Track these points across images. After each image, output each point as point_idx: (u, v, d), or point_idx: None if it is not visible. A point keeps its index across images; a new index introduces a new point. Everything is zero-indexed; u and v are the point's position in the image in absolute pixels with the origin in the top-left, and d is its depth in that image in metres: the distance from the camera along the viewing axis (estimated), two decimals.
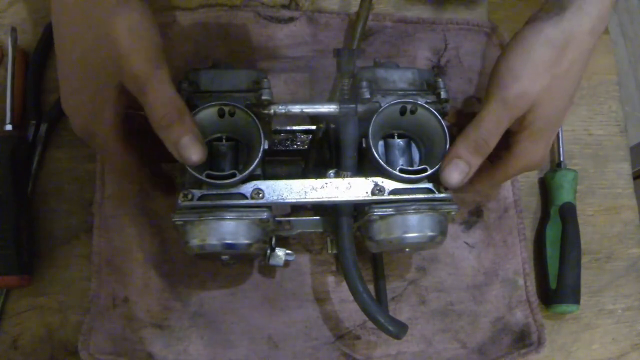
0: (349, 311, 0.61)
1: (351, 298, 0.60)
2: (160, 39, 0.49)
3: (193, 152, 0.48)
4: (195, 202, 0.51)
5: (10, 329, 0.57)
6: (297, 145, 0.61)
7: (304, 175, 0.57)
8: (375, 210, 0.53)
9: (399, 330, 0.53)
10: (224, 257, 0.54)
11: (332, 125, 0.57)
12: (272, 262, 0.58)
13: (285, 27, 0.66)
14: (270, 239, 0.58)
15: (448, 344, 0.61)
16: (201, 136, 0.49)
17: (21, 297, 0.58)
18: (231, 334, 0.59)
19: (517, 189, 0.66)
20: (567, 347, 0.63)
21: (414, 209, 0.53)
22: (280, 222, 0.57)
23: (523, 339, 0.61)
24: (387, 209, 0.53)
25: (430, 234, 0.53)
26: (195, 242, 0.51)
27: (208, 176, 0.51)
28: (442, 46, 0.68)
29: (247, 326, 0.59)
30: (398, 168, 0.54)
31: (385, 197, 0.53)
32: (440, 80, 0.57)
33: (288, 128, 0.60)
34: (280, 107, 0.53)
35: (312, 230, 0.59)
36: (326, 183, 0.53)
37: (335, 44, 0.66)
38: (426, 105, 0.55)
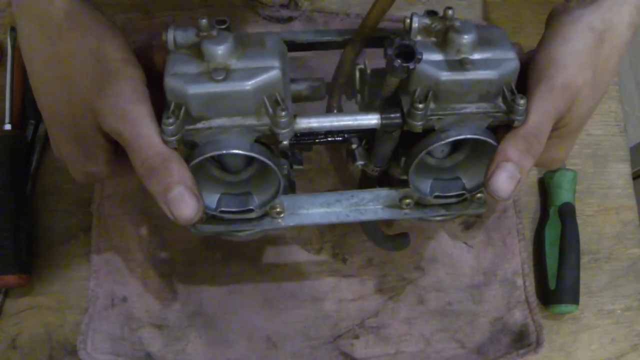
0: (348, 311, 0.61)
1: (350, 297, 0.61)
2: (136, 65, 0.43)
3: (184, 209, 0.40)
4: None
5: (9, 328, 0.57)
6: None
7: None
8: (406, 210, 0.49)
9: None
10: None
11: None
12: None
13: (284, 27, 0.66)
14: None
15: (447, 344, 0.61)
16: (195, 186, 0.41)
17: (20, 297, 0.58)
18: (230, 333, 0.59)
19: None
20: (566, 347, 0.63)
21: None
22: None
23: (522, 339, 0.61)
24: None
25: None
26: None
27: (222, 212, 0.46)
28: None
29: (246, 326, 0.59)
30: (433, 195, 0.48)
31: (413, 211, 0.49)
32: (518, 96, 0.43)
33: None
34: (302, 123, 0.44)
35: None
36: (352, 196, 0.49)
37: None
38: (487, 139, 0.44)
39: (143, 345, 0.57)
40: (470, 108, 0.44)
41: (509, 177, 0.42)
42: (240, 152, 0.42)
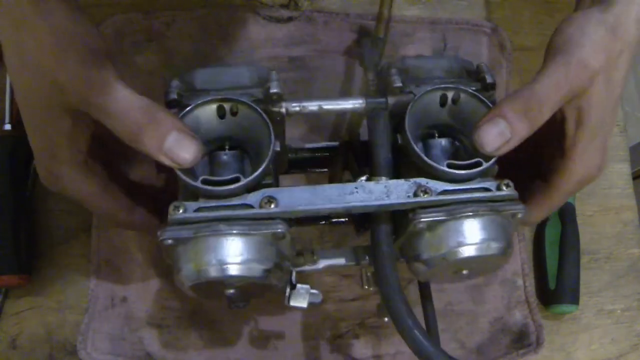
0: (348, 311, 0.60)
1: (350, 297, 0.60)
2: (96, 37, 0.41)
3: (185, 151, 0.39)
4: (189, 214, 0.40)
5: (9, 328, 0.57)
6: (316, 167, 0.53)
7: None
8: (422, 216, 0.41)
9: None
10: (229, 291, 0.42)
11: (360, 137, 0.48)
12: (292, 302, 0.46)
13: (284, 27, 0.66)
14: (291, 274, 0.46)
15: (447, 344, 0.61)
16: (188, 127, 0.40)
17: (20, 297, 0.58)
18: (230, 333, 0.59)
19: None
20: (566, 347, 0.63)
21: (471, 212, 0.41)
22: (301, 252, 0.47)
23: (522, 339, 0.61)
24: (437, 214, 0.41)
25: (494, 244, 0.42)
26: (190, 268, 0.40)
27: (205, 182, 0.40)
28: (441, 46, 0.68)
29: (246, 326, 0.59)
30: (445, 163, 0.42)
31: (433, 198, 0.42)
32: (483, 64, 0.47)
33: (305, 146, 0.51)
34: (293, 104, 0.44)
35: (342, 264, 0.48)
36: (356, 188, 0.42)
37: (334, 44, 0.66)
38: (472, 90, 0.45)
39: (143, 345, 0.57)
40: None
41: (498, 133, 0.42)
42: (240, 99, 0.42)
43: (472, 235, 0.41)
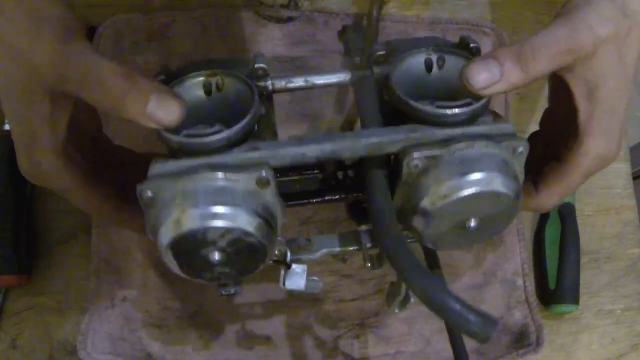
0: (348, 310, 0.61)
1: (350, 297, 0.60)
2: (71, 17, 0.40)
3: (168, 112, 0.38)
4: (171, 166, 0.38)
5: (9, 328, 0.57)
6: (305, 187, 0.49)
7: (320, 192, 0.47)
8: (415, 153, 0.38)
9: (487, 327, 0.34)
10: (214, 257, 0.39)
11: (350, 171, 0.47)
12: (288, 284, 0.43)
13: (284, 27, 0.66)
14: (285, 254, 0.44)
15: (446, 344, 0.60)
16: (166, 86, 0.40)
17: (20, 297, 0.58)
18: (230, 333, 0.59)
19: None
20: (566, 347, 0.63)
21: (466, 145, 0.38)
22: (296, 239, 0.45)
23: (521, 339, 0.61)
24: (431, 150, 0.38)
25: (498, 179, 0.38)
26: (169, 222, 0.37)
27: (187, 136, 0.39)
28: None
29: (246, 326, 0.59)
30: (435, 104, 0.40)
31: (426, 133, 0.39)
32: (467, 35, 0.45)
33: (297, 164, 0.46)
34: (279, 79, 0.43)
35: (341, 249, 0.46)
36: (345, 136, 0.40)
37: (334, 44, 0.66)
38: (458, 51, 0.44)
39: (143, 345, 0.57)
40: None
41: (488, 72, 0.40)
42: (226, 70, 0.41)
43: (471, 168, 0.38)
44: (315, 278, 0.45)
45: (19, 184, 0.58)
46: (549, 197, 0.48)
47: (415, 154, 0.38)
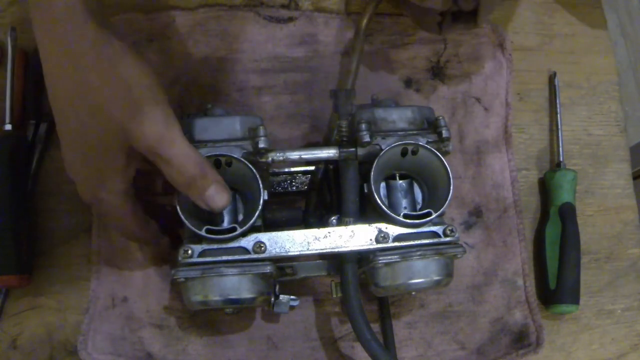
0: None
1: None
2: (161, 87, 0.47)
3: (219, 200, 0.49)
4: (195, 259, 0.51)
5: (10, 328, 0.57)
6: (297, 186, 0.61)
7: (304, 219, 0.57)
8: (380, 257, 0.52)
9: None
10: (227, 310, 0.54)
11: (332, 166, 0.57)
12: (276, 309, 0.56)
13: (284, 27, 0.66)
14: (274, 286, 0.55)
15: (447, 346, 0.61)
16: (223, 180, 0.49)
17: (20, 297, 0.58)
18: (230, 333, 0.59)
19: (517, 189, 0.65)
20: (566, 347, 0.63)
21: (419, 255, 0.53)
22: (283, 267, 0.56)
23: (522, 339, 0.61)
24: (392, 256, 0.52)
25: (436, 278, 0.53)
26: (197, 298, 0.51)
27: (208, 231, 0.51)
28: (441, 46, 0.68)
29: (247, 326, 0.59)
30: (402, 214, 0.53)
31: (390, 244, 0.53)
32: (441, 118, 0.55)
33: (286, 170, 0.61)
34: (278, 154, 0.54)
35: (317, 275, 0.57)
36: (329, 232, 0.53)
37: (334, 43, 0.66)
38: (427, 146, 0.54)
39: (143, 345, 0.57)
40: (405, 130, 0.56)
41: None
42: (233, 155, 0.52)
43: (419, 273, 0.53)
44: (294, 297, 0.56)
45: (19, 184, 0.58)
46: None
47: (381, 259, 0.53)
